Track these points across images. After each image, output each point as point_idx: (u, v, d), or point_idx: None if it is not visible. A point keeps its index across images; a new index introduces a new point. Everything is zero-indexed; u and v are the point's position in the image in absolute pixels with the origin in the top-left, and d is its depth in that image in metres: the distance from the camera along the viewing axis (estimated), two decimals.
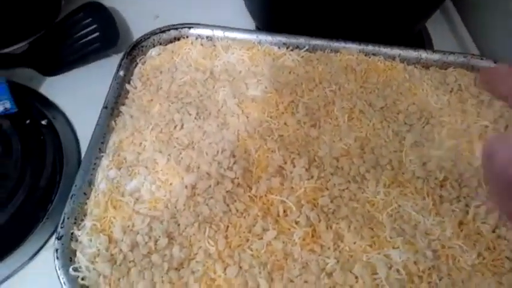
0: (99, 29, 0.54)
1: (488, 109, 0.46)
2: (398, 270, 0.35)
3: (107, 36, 0.53)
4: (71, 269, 0.33)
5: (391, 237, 0.36)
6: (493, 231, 0.37)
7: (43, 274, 0.36)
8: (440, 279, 0.34)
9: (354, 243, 0.36)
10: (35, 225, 0.40)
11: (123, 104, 0.44)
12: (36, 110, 0.49)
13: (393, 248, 0.36)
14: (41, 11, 0.57)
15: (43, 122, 0.48)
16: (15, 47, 0.54)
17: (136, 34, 0.55)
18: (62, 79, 0.52)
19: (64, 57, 0.53)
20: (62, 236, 0.34)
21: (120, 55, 0.53)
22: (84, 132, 0.47)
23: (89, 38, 0.53)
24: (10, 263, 0.37)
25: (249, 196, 0.38)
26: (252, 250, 0.36)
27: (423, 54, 0.51)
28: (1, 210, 0.40)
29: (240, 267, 0.34)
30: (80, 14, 0.55)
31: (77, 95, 0.51)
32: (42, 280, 0.37)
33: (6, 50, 0.53)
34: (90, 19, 0.54)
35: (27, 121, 0.47)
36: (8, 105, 0.46)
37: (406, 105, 0.46)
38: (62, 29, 0.55)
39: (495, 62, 0.50)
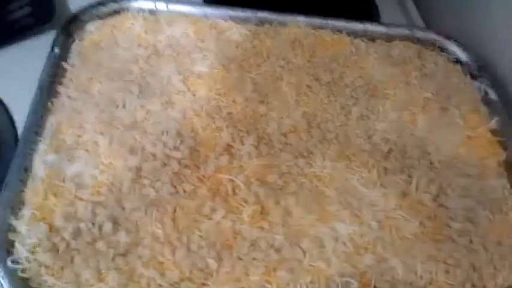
0: (31, 3, 0.50)
1: (431, 81, 0.47)
2: (344, 243, 0.35)
3: (40, 10, 0.50)
4: (9, 261, 0.31)
5: (337, 211, 0.37)
6: (434, 201, 0.39)
7: None
8: (384, 250, 0.36)
9: (302, 218, 0.37)
10: None
11: (60, 84, 0.41)
12: None
13: (340, 221, 0.37)
14: None
15: None
16: None
17: (74, 8, 0.51)
18: None
19: None
20: None
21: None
22: (20, 115, 0.44)
23: (21, 12, 0.49)
24: None
25: (197, 177, 0.38)
26: (200, 231, 0.35)
27: (369, 27, 0.51)
28: None
29: (189, 249, 0.34)
30: None
31: (10, 75, 0.47)
32: None
33: None
34: None
35: None
36: None
37: (352, 79, 0.46)
38: None
39: (438, 34, 0.52)
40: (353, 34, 0.50)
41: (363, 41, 0.50)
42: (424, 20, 0.57)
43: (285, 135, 0.41)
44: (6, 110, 0.45)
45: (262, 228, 0.36)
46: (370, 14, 0.58)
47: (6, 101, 0.45)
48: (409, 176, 0.40)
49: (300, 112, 0.43)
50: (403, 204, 0.38)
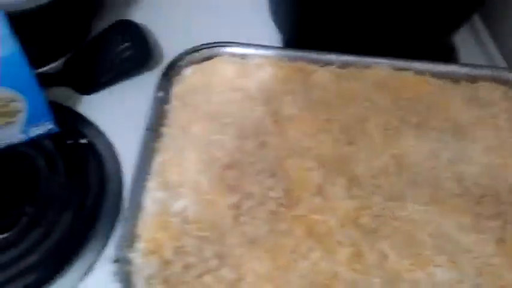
0: (132, 48, 0.55)
1: None
2: None
3: (140, 55, 0.54)
4: None
5: (433, 256, 0.37)
6: None
7: None
8: None
9: (398, 262, 0.37)
10: (84, 244, 0.41)
11: (163, 125, 0.45)
12: (75, 129, 0.50)
13: (436, 266, 0.37)
14: (72, 29, 0.58)
15: (82, 141, 0.49)
16: (48, 67, 0.55)
17: (167, 51, 0.56)
18: (97, 98, 0.53)
19: (99, 76, 0.54)
20: (118, 259, 0.35)
21: (153, 72, 0.54)
22: (124, 150, 0.48)
23: (123, 56, 0.54)
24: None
25: (291, 216, 0.39)
26: (299, 270, 0.37)
27: (453, 68, 0.52)
28: (52, 230, 0.42)
29: None
30: (112, 32, 0.56)
31: (113, 113, 0.51)
32: None
33: (41, 70, 0.55)
34: (123, 37, 0.55)
35: (69, 141, 0.48)
36: (51, 126, 0.47)
37: (439, 121, 0.46)
38: (95, 47, 0.56)
39: None
40: (436, 76, 0.51)
41: (446, 82, 0.51)
42: (507, 61, 0.57)
43: (374, 177, 0.42)
44: (110, 146, 0.49)
45: (358, 271, 0.37)
46: (449, 56, 0.59)
47: (110, 137, 0.50)
48: (505, 222, 0.39)
49: (389, 154, 0.44)
50: (501, 251, 0.38)
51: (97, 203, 0.44)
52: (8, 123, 0.43)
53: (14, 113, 0.43)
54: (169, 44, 0.57)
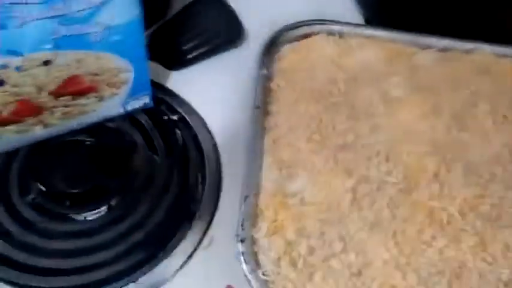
0: (220, 23, 0.53)
1: None
2: None
3: (228, 31, 0.53)
4: (260, 273, 0.33)
5: None
6: None
7: (202, 271, 0.37)
8: None
9: None
10: (188, 223, 0.41)
11: (270, 103, 0.43)
12: (168, 105, 0.48)
13: None
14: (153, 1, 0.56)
15: (174, 117, 0.48)
16: None
17: (252, 28, 0.54)
18: (186, 73, 0.52)
19: (187, 52, 0.52)
20: (244, 239, 0.34)
21: (239, 49, 0.52)
22: (217, 127, 0.47)
23: (211, 32, 0.53)
24: (169, 262, 0.38)
25: (411, 202, 0.38)
26: (426, 258, 0.35)
27: None
28: (155, 209, 0.41)
29: (419, 275, 0.34)
30: (197, 7, 0.54)
31: (202, 89, 0.50)
32: (203, 277, 0.38)
33: None
34: (210, 12, 0.54)
35: (165, 117, 0.47)
36: (147, 100, 0.45)
37: None
38: (180, 22, 0.54)
39: None
40: None
41: None
42: None
43: (490, 165, 0.41)
44: (203, 123, 0.48)
45: (485, 260, 0.36)
46: None
47: (202, 114, 0.48)
48: None
49: (500, 143, 0.43)
50: None
51: (198, 180, 0.43)
52: (113, 94, 0.42)
53: (120, 84, 0.41)
54: (252, 21, 0.54)
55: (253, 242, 0.35)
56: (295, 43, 0.48)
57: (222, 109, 0.48)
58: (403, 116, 0.43)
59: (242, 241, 0.34)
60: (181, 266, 0.38)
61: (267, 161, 0.39)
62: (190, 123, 0.47)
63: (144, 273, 0.37)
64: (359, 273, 0.34)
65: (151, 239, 0.39)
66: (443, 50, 0.49)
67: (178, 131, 0.46)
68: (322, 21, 0.49)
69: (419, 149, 0.41)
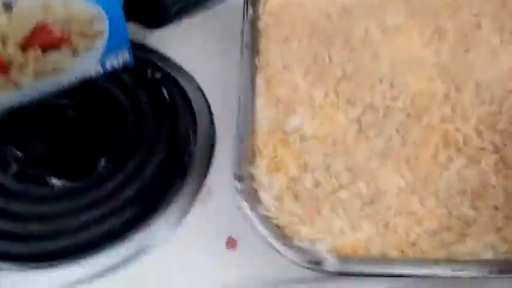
0: None
1: None
2: None
3: None
4: (261, 209, 0.30)
5: None
6: None
7: (201, 225, 0.33)
8: None
9: None
10: (180, 178, 0.37)
11: (260, 43, 0.40)
12: (152, 64, 0.45)
13: None
14: None
15: (159, 75, 0.45)
16: None
17: None
18: (167, 32, 0.48)
19: (167, 8, 0.49)
20: (243, 176, 0.31)
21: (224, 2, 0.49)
22: (205, 83, 0.44)
23: None
24: (164, 219, 0.35)
25: (422, 126, 0.35)
26: (444, 180, 0.32)
27: None
28: (145, 165, 0.38)
29: (438, 198, 0.31)
30: None
31: (187, 44, 0.47)
32: (202, 231, 0.35)
33: None
34: None
35: (148, 75, 0.44)
36: (127, 56, 0.42)
37: None
38: None
39: None
40: None
41: None
42: None
43: (503, 80, 0.38)
44: (190, 78, 0.45)
45: (508, 177, 0.32)
46: None
47: (188, 69, 0.45)
48: None
49: (510, 58, 0.39)
50: None
51: (190, 134, 0.40)
52: (88, 47, 0.39)
53: (94, 35, 0.38)
54: None
55: (253, 180, 0.32)
56: None
57: (208, 61, 0.45)
58: (404, 43, 0.40)
59: (240, 179, 0.31)
60: (178, 222, 0.35)
61: (262, 99, 0.36)
62: (176, 78, 0.44)
63: (138, 232, 0.34)
64: (372, 202, 0.31)
65: (144, 196, 0.36)
66: None
67: (164, 88, 0.43)
68: None
69: (426, 74, 0.38)
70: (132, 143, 0.39)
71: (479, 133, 0.35)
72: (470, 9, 0.43)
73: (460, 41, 0.40)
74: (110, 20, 0.38)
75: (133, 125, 0.40)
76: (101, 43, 0.39)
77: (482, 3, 0.43)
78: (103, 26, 0.38)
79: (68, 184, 0.37)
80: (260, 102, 0.36)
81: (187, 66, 0.45)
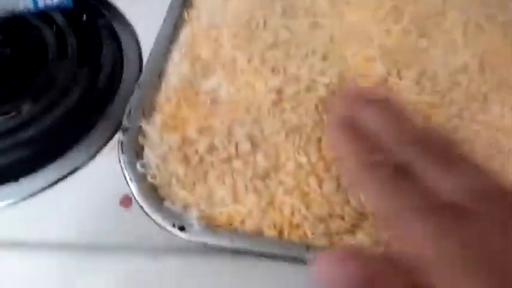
0: None
1: None
2: None
3: None
4: (138, 165, 0.27)
5: None
6: None
7: (104, 174, 0.30)
8: None
9: None
10: (92, 125, 0.35)
11: None
12: (92, 8, 0.43)
13: None
14: None
15: (100, 21, 0.42)
16: None
17: None
18: None
19: None
20: (128, 128, 0.28)
21: None
22: (146, 34, 0.41)
23: None
24: (67, 162, 0.32)
25: None
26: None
27: None
28: (55, 108, 0.35)
29: (339, 184, 0.28)
30: None
31: None
32: (104, 179, 0.32)
33: None
34: None
35: (83, 18, 0.41)
36: None
37: None
38: None
39: None
40: None
41: None
42: None
43: (452, 74, 0.34)
44: (130, 28, 0.42)
45: None
46: None
47: (130, 19, 0.43)
48: None
49: (469, 52, 0.35)
50: None
51: (110, 83, 0.38)
52: None
53: None
54: None
55: (141, 133, 0.29)
56: None
57: (152, 15, 0.42)
58: (352, 17, 0.37)
59: (124, 130, 0.29)
60: (72, 172, 0.33)
61: (180, 53, 0.33)
62: (115, 27, 0.42)
63: (33, 172, 0.32)
64: (265, 176, 0.28)
65: (42, 140, 0.34)
66: None
67: (99, 35, 0.41)
68: None
69: (366, 52, 0.34)
70: (47, 85, 0.37)
71: None
72: None
73: (417, 24, 0.37)
74: None
75: (53, 67, 0.38)
76: None
77: None
78: None
79: None
80: (176, 56, 0.33)
81: (130, 16, 0.43)
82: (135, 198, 0.27)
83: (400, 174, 0.20)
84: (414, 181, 0.20)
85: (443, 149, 0.21)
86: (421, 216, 0.19)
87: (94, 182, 0.32)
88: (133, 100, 0.30)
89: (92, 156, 0.33)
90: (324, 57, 0.34)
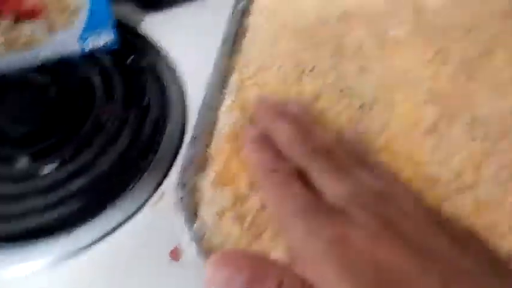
0: None
1: None
2: None
3: None
4: (196, 226, 0.28)
5: None
6: None
7: (147, 230, 0.31)
8: None
9: None
10: (138, 175, 0.36)
11: (244, 41, 0.37)
12: (137, 49, 0.44)
13: None
14: None
15: (144, 63, 0.43)
16: None
17: None
18: (163, 16, 0.47)
19: None
20: (185, 184, 0.29)
21: None
22: (189, 76, 0.42)
23: None
24: (111, 216, 0.33)
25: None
26: None
27: None
28: (102, 155, 0.36)
29: None
30: None
31: (179, 34, 0.45)
32: (147, 236, 0.33)
33: None
34: None
35: (129, 60, 0.42)
36: (111, 37, 0.41)
37: None
38: None
39: None
40: None
41: None
42: None
43: (503, 119, 0.33)
44: (173, 70, 0.43)
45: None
46: None
47: (174, 60, 0.43)
48: None
49: None
50: None
51: (157, 130, 0.38)
52: (66, 24, 0.37)
53: (72, 11, 0.37)
54: None
55: (197, 190, 0.29)
56: None
57: (196, 58, 0.43)
58: (400, 60, 0.36)
59: (182, 186, 0.29)
60: (123, 223, 0.33)
61: (229, 100, 0.34)
62: (159, 69, 0.43)
63: (78, 226, 0.33)
64: None
65: (92, 190, 0.35)
66: None
67: (144, 78, 0.41)
68: None
69: (415, 96, 0.34)
70: (93, 132, 0.37)
71: (459, 175, 0.31)
72: (486, 32, 0.38)
73: (465, 66, 0.36)
74: None
75: (101, 112, 0.39)
76: (80, 20, 0.38)
77: (502, 26, 0.39)
78: (83, 3, 0.36)
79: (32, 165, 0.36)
80: (227, 103, 0.33)
81: (174, 57, 0.44)
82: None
83: (293, 180, 0.24)
84: (306, 186, 0.24)
85: (338, 158, 0.25)
86: (300, 218, 0.22)
87: (140, 237, 0.32)
88: (189, 153, 0.30)
89: (136, 211, 0.33)
90: (372, 105, 0.33)
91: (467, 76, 0.36)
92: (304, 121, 0.28)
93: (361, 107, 0.34)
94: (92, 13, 0.37)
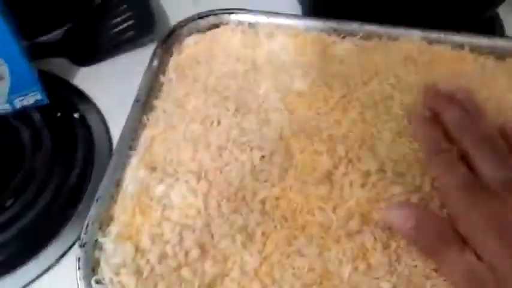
0: (134, 16, 0.50)
1: None
2: None
3: (141, 24, 0.50)
4: (93, 281, 0.30)
5: None
6: None
7: (65, 283, 0.33)
8: None
9: (415, 266, 0.31)
10: (62, 226, 0.38)
11: (157, 98, 0.40)
12: (68, 102, 0.46)
13: None
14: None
15: (75, 116, 0.45)
16: (49, 35, 0.52)
17: (174, 21, 0.51)
18: (95, 70, 0.49)
19: (98, 46, 0.50)
20: (86, 243, 0.31)
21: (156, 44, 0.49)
22: (118, 127, 0.44)
23: (124, 25, 0.50)
24: (31, 268, 0.35)
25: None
26: (293, 268, 0.31)
27: (498, 43, 0.44)
28: (28, 209, 0.38)
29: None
30: (113, 1, 0.52)
31: (110, 87, 0.48)
32: None
33: (41, 39, 0.51)
34: (125, 5, 0.51)
35: (58, 114, 0.45)
36: (38, 96, 0.43)
37: (481, 101, 0.39)
38: (96, 16, 0.52)
39: None
40: (477, 50, 0.43)
41: (489, 58, 0.43)
42: None
43: (398, 163, 0.36)
44: (103, 122, 0.45)
45: (364, 273, 0.31)
46: (493, 30, 0.51)
47: (104, 113, 0.46)
48: None
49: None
50: None
51: (81, 182, 0.40)
52: None
53: None
54: (176, 12, 0.52)
55: (98, 247, 0.32)
56: (199, 35, 0.45)
57: (125, 108, 0.45)
58: (302, 110, 0.39)
59: (82, 246, 0.31)
60: (45, 272, 0.35)
61: (136, 159, 0.36)
62: (89, 121, 0.45)
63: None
64: (211, 283, 0.30)
65: (18, 242, 0.37)
66: (367, 37, 0.44)
67: (72, 130, 0.44)
68: (231, 10, 0.45)
69: (313, 145, 0.36)
70: (19, 185, 0.40)
71: (346, 219, 0.33)
72: (386, 79, 0.41)
73: (365, 113, 0.39)
74: (11, 66, 0.39)
75: (29, 167, 0.41)
76: (3, 86, 0.40)
77: (403, 73, 0.42)
78: (2, 71, 0.39)
79: None
80: (135, 162, 0.36)
81: (104, 108, 0.46)
82: None
83: (458, 160, 0.30)
84: (468, 167, 0.30)
85: (499, 149, 0.30)
86: (463, 192, 0.29)
87: None
88: (92, 213, 0.32)
89: (47, 269, 0.35)
90: (272, 154, 0.36)
91: (367, 123, 0.38)
92: (471, 108, 0.33)
93: (262, 157, 0.36)
94: (15, 77, 0.40)
